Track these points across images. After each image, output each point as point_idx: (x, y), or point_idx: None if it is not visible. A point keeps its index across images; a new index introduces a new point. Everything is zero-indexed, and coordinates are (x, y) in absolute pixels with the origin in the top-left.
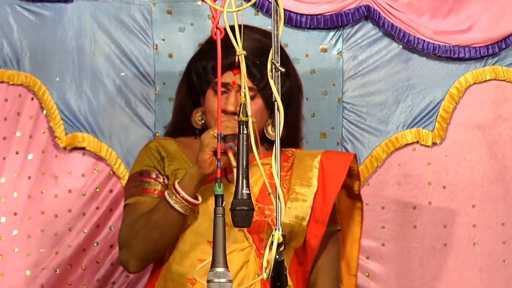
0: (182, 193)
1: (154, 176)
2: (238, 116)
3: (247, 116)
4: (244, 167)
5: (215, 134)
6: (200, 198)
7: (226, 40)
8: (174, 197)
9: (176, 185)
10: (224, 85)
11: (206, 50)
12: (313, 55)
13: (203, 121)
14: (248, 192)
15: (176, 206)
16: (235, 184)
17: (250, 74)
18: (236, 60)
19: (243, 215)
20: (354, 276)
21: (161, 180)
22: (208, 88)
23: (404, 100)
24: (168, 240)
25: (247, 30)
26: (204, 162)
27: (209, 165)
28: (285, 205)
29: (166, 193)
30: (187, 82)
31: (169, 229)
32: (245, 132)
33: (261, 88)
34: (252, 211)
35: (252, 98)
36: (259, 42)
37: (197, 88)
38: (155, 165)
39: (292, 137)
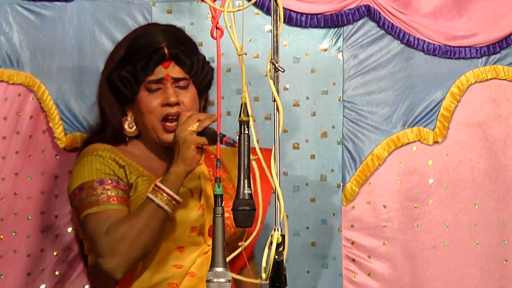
0: (171, 192)
1: (115, 183)
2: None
3: (248, 116)
4: (245, 167)
5: (193, 129)
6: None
7: (151, 34)
8: (161, 196)
9: (162, 185)
10: (158, 81)
11: (128, 54)
12: (313, 54)
13: (133, 128)
14: (249, 192)
15: (164, 205)
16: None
17: (181, 63)
18: (167, 53)
19: (245, 215)
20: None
21: (122, 187)
22: (139, 91)
23: (405, 99)
24: (155, 241)
25: (155, 25)
26: (192, 159)
27: (196, 161)
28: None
29: (150, 195)
30: (115, 91)
31: (158, 230)
32: (246, 132)
33: (192, 75)
34: (254, 211)
35: (185, 87)
36: (175, 33)
37: (127, 95)
38: (116, 173)
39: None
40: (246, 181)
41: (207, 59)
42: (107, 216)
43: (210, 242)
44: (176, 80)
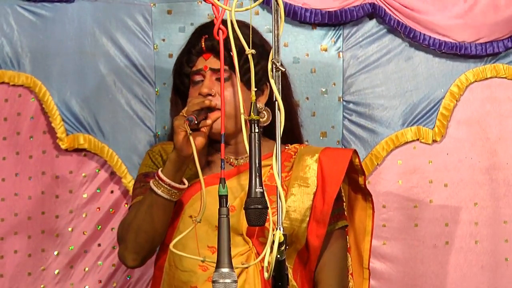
0: (164, 178)
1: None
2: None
3: (258, 114)
4: (257, 165)
5: (184, 114)
6: (186, 183)
7: (202, 27)
8: (157, 183)
9: (159, 172)
10: (198, 71)
11: (180, 51)
12: (313, 54)
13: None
14: (261, 190)
15: (160, 192)
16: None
17: (218, 55)
18: (203, 45)
19: (257, 213)
20: (367, 269)
21: None
22: (190, 84)
23: (404, 98)
24: (158, 228)
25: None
26: (178, 143)
27: (185, 145)
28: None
29: (151, 182)
30: (174, 88)
31: (157, 217)
32: (256, 130)
33: (230, 67)
34: (266, 209)
35: (226, 79)
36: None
37: (182, 88)
38: (158, 167)
39: (287, 122)
40: (258, 179)
41: None
42: (133, 207)
43: (251, 243)
44: (214, 71)
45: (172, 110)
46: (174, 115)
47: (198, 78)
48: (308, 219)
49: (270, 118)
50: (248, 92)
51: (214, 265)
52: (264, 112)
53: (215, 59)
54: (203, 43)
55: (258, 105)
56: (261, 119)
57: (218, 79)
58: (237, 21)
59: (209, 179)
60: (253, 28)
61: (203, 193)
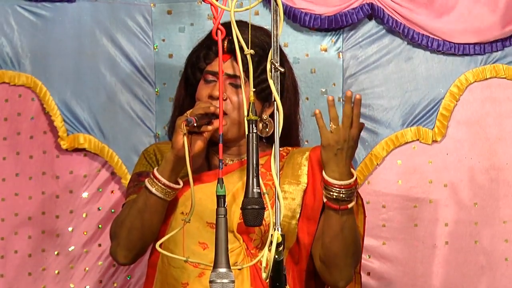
0: (159, 177)
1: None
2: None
3: (256, 115)
4: (255, 165)
5: (188, 115)
6: (181, 183)
7: (225, 27)
8: (152, 182)
9: (155, 171)
10: (213, 73)
11: (200, 42)
12: (313, 54)
13: None
14: (259, 190)
15: (154, 191)
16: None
17: (236, 60)
18: (225, 46)
19: (254, 214)
20: (359, 274)
21: None
22: (201, 78)
23: (404, 98)
24: (151, 226)
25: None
26: (176, 143)
27: (182, 146)
28: (272, 206)
29: (146, 180)
30: (184, 78)
31: (150, 215)
32: (254, 131)
33: (246, 75)
34: (263, 209)
35: (240, 86)
36: (247, 33)
37: (192, 80)
38: (153, 167)
39: (287, 136)
40: (255, 179)
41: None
42: (127, 205)
43: (241, 240)
44: (229, 76)
45: (176, 96)
46: (177, 101)
47: (211, 77)
48: (298, 216)
49: (272, 129)
50: (259, 103)
51: (201, 263)
52: (267, 123)
53: (234, 63)
54: (225, 45)
55: (263, 116)
56: (263, 130)
57: (232, 84)
58: (253, 25)
59: (204, 176)
60: (268, 39)
61: (192, 194)
